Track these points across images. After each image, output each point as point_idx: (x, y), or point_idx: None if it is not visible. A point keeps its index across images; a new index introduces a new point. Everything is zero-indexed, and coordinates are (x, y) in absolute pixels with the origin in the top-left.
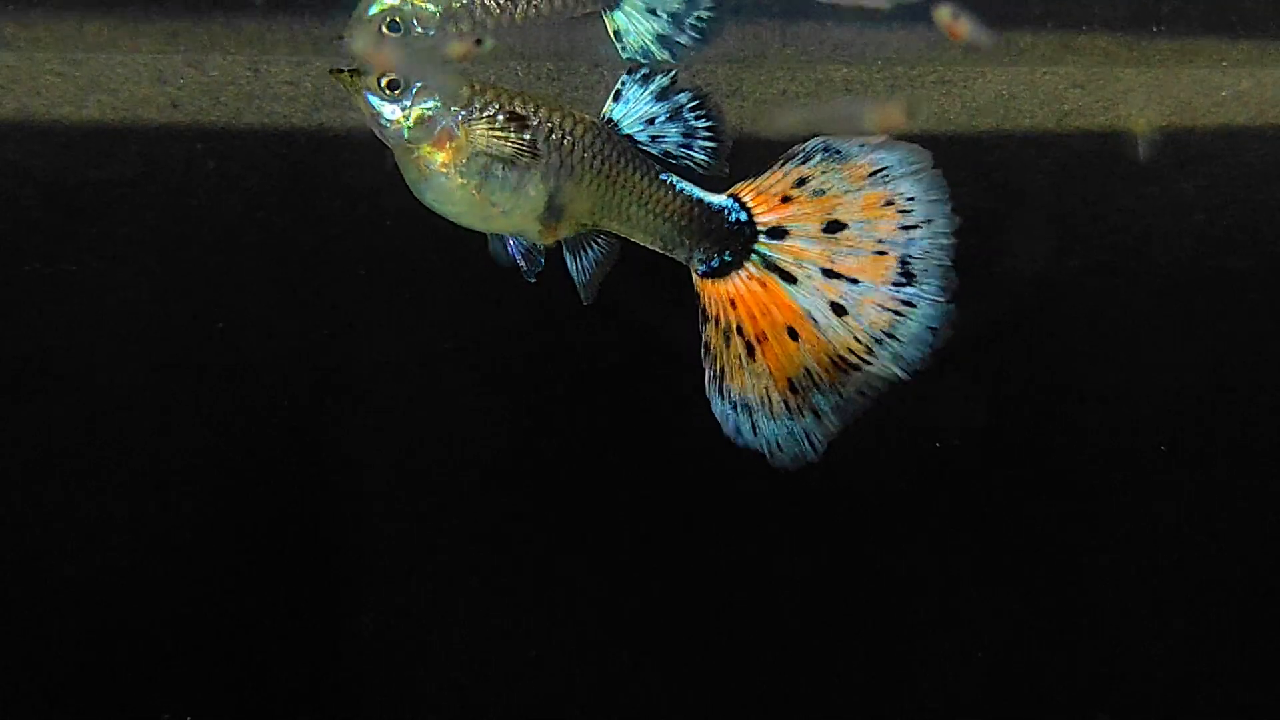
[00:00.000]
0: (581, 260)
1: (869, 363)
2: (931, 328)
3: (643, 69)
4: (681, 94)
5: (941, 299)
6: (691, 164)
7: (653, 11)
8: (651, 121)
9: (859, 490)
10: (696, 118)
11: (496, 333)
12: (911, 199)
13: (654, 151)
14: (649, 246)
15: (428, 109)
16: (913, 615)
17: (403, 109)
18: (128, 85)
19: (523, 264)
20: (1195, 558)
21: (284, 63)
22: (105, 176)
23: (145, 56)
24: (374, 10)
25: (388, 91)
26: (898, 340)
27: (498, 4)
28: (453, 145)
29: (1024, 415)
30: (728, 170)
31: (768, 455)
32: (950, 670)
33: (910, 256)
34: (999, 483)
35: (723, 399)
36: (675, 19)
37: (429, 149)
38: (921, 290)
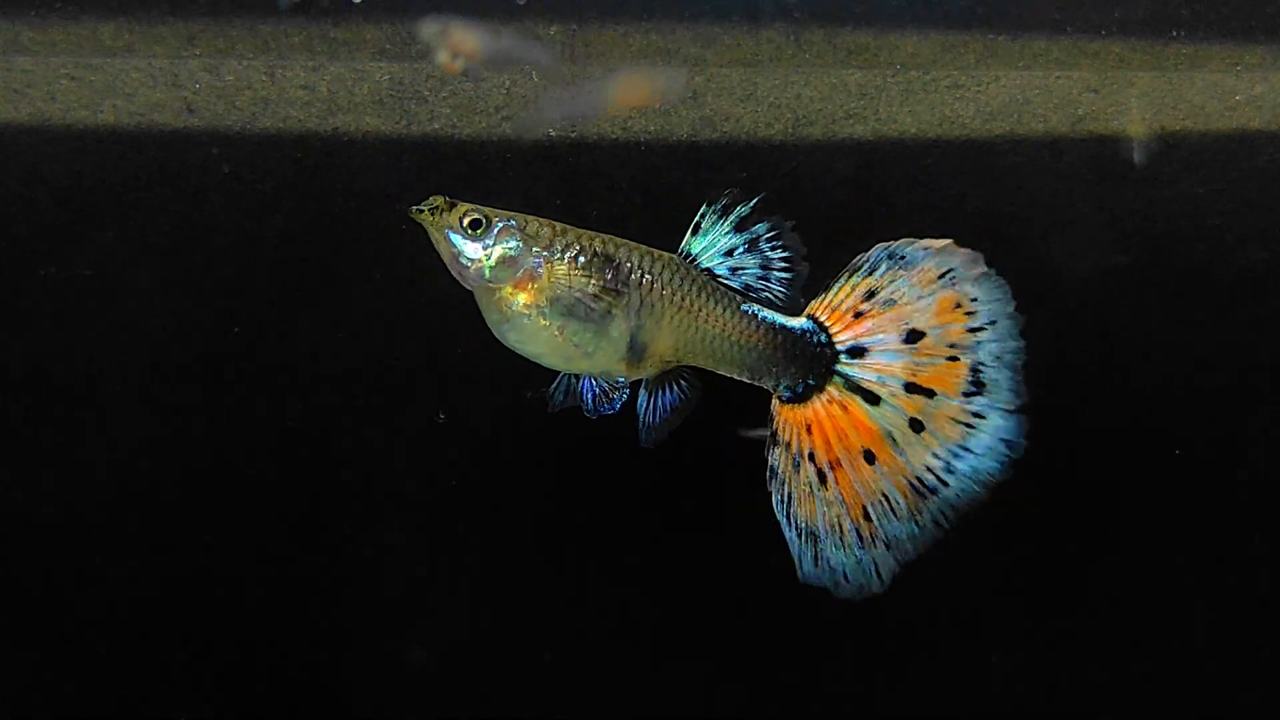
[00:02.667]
0: (656, 401)
1: (946, 483)
2: (1005, 440)
3: (722, 199)
4: (760, 224)
5: (1012, 409)
6: (770, 295)
7: None
8: (730, 253)
9: None
10: (773, 248)
11: None
12: (975, 300)
13: (735, 285)
14: (734, 378)
15: (510, 249)
16: (925, 618)
17: (485, 248)
18: (143, 90)
19: (590, 404)
20: (1211, 561)
21: (299, 67)
22: (120, 180)
23: (161, 61)
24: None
25: (470, 230)
26: (972, 453)
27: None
28: (535, 286)
29: (1039, 420)
30: (802, 300)
31: (832, 587)
32: (964, 673)
33: (981, 364)
34: (1012, 486)
35: (790, 525)
36: None
37: (511, 290)
38: (992, 400)
